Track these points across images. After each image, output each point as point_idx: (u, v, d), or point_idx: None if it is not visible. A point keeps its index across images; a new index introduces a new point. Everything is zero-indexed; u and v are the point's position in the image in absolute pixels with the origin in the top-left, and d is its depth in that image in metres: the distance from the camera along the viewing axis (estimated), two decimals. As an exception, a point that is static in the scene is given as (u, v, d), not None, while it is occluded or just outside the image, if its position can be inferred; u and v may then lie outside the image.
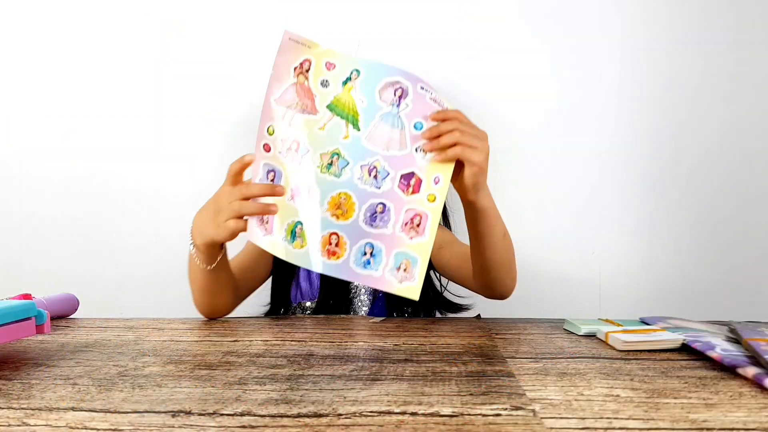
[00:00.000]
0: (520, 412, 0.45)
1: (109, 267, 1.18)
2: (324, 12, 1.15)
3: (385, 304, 1.02)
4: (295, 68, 0.69)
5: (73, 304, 0.93)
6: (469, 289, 0.96)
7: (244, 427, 0.42)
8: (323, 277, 1.01)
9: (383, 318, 0.91)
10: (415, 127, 0.71)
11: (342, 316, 0.94)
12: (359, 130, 0.70)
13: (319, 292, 1.01)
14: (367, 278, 0.70)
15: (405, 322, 0.85)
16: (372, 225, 0.70)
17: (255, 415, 0.45)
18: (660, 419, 0.44)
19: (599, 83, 1.13)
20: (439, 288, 1.06)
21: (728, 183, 1.13)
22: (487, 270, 0.87)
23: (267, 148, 0.70)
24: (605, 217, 1.15)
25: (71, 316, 0.93)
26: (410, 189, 0.71)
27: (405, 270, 0.68)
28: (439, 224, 1.07)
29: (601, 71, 1.13)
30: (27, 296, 0.80)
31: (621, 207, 1.15)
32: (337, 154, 0.70)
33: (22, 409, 0.47)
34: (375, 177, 0.70)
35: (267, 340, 0.72)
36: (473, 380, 0.54)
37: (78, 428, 0.42)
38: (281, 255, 0.69)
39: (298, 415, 0.45)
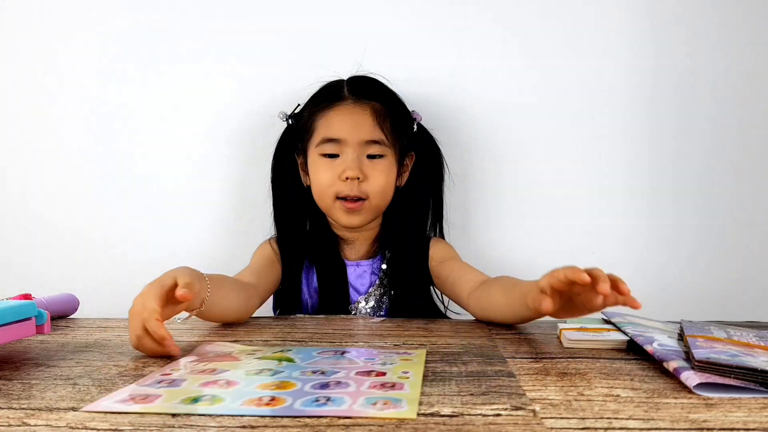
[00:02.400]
0: (520, 412, 0.45)
1: (110, 267, 1.17)
2: (328, 15, 1.15)
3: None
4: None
5: (73, 304, 0.93)
6: (461, 306, 0.95)
7: (244, 427, 0.42)
8: (321, 295, 0.99)
9: (383, 318, 0.91)
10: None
11: (342, 316, 0.94)
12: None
13: (317, 311, 1.00)
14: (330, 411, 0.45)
15: (405, 322, 0.85)
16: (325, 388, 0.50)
17: (255, 416, 0.45)
18: (660, 419, 0.44)
19: (599, 83, 1.13)
20: (442, 309, 1.05)
21: (729, 183, 1.13)
22: (503, 322, 0.83)
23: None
24: (605, 217, 1.15)
25: (71, 316, 0.93)
26: (373, 374, 0.55)
27: (385, 404, 0.46)
28: (435, 236, 1.06)
29: (601, 71, 1.13)
30: (27, 296, 0.80)
31: (621, 207, 1.15)
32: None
33: (22, 409, 0.47)
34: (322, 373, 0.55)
35: (267, 341, 0.72)
36: (473, 380, 0.54)
37: (78, 428, 0.42)
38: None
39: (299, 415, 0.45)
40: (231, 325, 0.83)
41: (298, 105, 1.02)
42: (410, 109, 1.03)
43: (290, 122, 1.02)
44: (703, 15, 1.12)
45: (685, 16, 1.13)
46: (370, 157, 0.96)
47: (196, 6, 1.15)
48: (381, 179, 0.95)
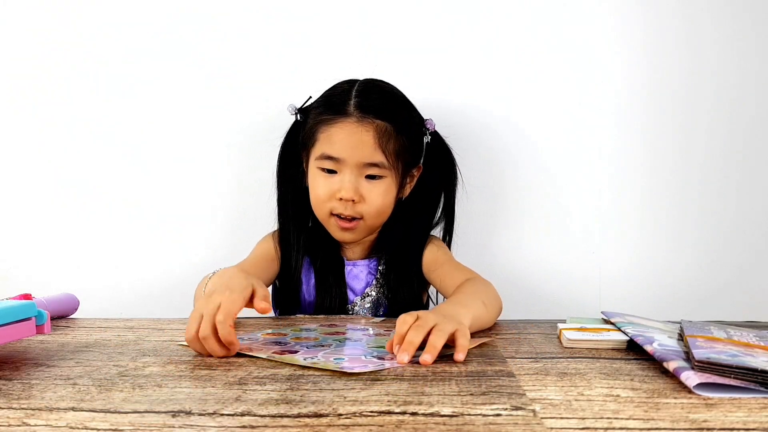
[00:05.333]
0: (520, 412, 0.45)
1: (109, 267, 1.18)
2: (335, 28, 1.14)
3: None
4: None
5: (73, 304, 0.93)
6: None
7: (244, 427, 0.42)
8: (318, 292, 0.99)
9: (383, 318, 0.91)
10: None
11: (342, 316, 0.94)
12: None
13: (314, 309, 1.00)
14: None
15: (405, 322, 0.85)
16: None
17: (255, 415, 0.45)
18: (660, 419, 0.44)
19: (600, 83, 1.13)
20: None
21: (729, 183, 1.13)
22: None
23: None
24: (605, 217, 1.15)
25: (71, 316, 0.93)
26: None
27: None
28: (433, 238, 1.04)
29: (602, 71, 1.13)
30: (27, 296, 0.80)
31: (621, 207, 1.15)
32: None
33: (22, 409, 0.47)
34: None
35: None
36: (473, 380, 0.54)
37: (78, 428, 0.42)
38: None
39: (298, 415, 0.45)
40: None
41: (310, 97, 0.99)
42: (425, 117, 1.00)
43: (298, 117, 0.99)
44: (702, 15, 1.12)
45: (684, 17, 1.12)
46: (369, 178, 0.93)
47: (203, 6, 1.15)
48: (377, 201, 0.93)
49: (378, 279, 1.00)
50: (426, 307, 1.05)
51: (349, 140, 0.90)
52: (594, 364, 0.61)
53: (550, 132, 1.14)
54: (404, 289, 0.98)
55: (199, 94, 1.16)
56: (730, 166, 1.13)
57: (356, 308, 0.99)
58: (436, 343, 0.61)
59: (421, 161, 1.01)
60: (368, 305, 0.99)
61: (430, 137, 1.00)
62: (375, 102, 0.92)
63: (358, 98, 0.92)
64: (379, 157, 0.91)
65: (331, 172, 0.93)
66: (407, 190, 1.01)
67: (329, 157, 0.92)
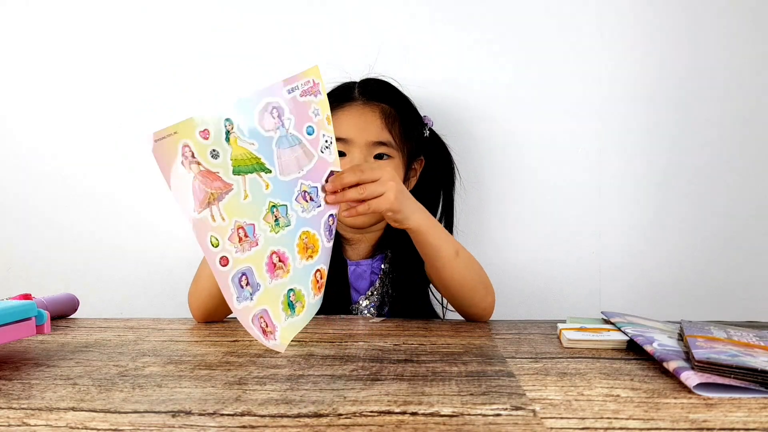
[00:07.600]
0: (520, 412, 0.45)
1: (109, 267, 1.17)
2: (343, 18, 1.14)
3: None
4: (182, 163, 0.58)
5: (73, 304, 0.93)
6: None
7: (244, 427, 0.42)
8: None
9: (383, 318, 0.91)
10: (308, 133, 0.69)
11: (342, 316, 0.94)
12: (270, 171, 0.65)
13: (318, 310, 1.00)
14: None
15: (405, 322, 0.85)
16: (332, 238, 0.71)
17: (255, 415, 0.45)
18: (660, 419, 0.44)
19: (599, 82, 1.13)
20: (440, 312, 1.04)
21: (729, 183, 1.13)
22: (450, 292, 0.87)
23: (224, 262, 0.60)
24: (605, 217, 1.15)
25: (71, 316, 0.93)
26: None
27: None
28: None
29: (602, 70, 1.13)
30: (27, 296, 0.80)
31: (621, 207, 1.15)
32: (274, 206, 0.65)
33: (22, 409, 0.47)
34: (311, 199, 0.69)
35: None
36: (473, 380, 0.54)
37: (78, 428, 0.42)
38: (292, 336, 0.64)
39: (298, 415, 0.45)
40: (231, 326, 0.83)
41: None
42: (422, 114, 1.03)
43: None
44: (704, 15, 1.12)
45: (688, 16, 1.12)
46: (377, 157, 0.94)
47: (208, 6, 1.15)
48: None
49: (381, 278, 1.00)
50: (428, 305, 1.05)
51: (356, 121, 0.94)
52: (594, 364, 0.61)
53: (550, 132, 1.14)
54: (408, 288, 0.98)
55: (200, 94, 1.16)
56: (730, 166, 1.13)
57: (360, 308, 0.99)
58: (345, 178, 0.70)
59: (422, 155, 1.02)
60: (372, 305, 0.99)
61: (428, 132, 1.03)
62: (378, 88, 0.98)
63: (361, 87, 0.98)
64: (386, 136, 0.94)
65: (340, 155, 0.94)
66: (412, 182, 1.02)
67: (338, 139, 0.92)
